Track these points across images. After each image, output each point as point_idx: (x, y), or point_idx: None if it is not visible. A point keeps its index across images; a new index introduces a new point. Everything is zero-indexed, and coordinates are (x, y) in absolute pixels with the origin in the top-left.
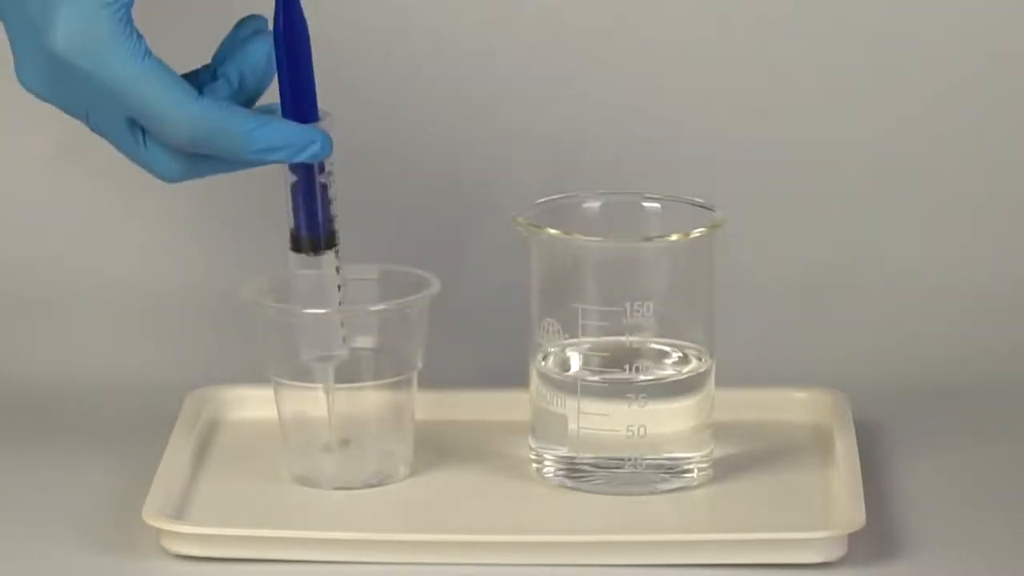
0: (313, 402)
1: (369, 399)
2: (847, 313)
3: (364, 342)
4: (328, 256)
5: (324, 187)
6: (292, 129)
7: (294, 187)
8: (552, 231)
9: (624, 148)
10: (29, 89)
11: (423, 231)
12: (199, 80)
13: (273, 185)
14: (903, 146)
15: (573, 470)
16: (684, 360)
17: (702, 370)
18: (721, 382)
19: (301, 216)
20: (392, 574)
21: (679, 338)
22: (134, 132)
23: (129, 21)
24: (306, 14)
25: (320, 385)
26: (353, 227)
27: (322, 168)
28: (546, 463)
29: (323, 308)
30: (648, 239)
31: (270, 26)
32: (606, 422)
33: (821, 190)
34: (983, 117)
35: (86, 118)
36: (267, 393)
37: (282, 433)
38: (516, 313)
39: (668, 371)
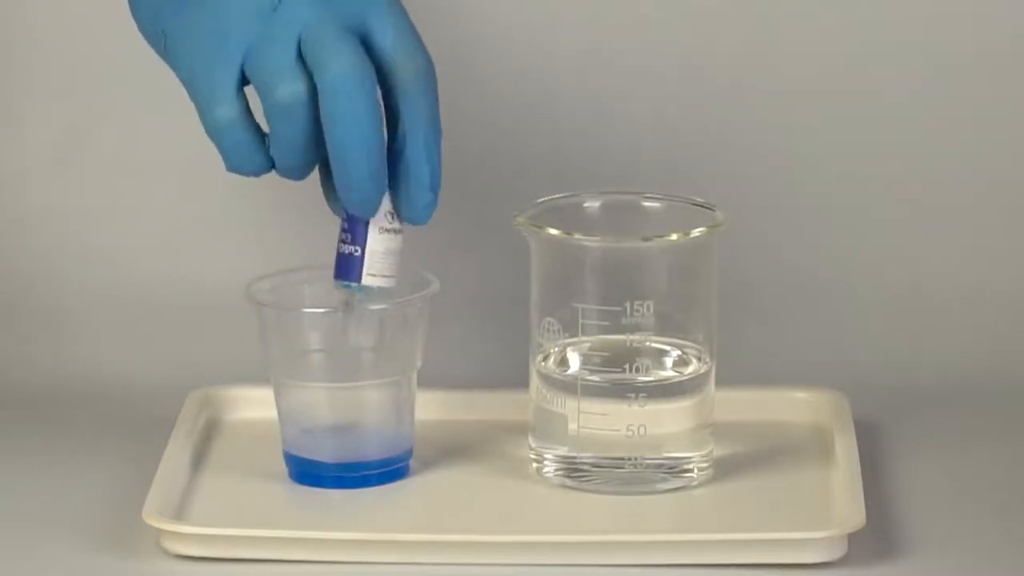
0: (314, 400)
1: (369, 398)
2: (847, 313)
3: (364, 341)
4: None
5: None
6: None
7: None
8: (552, 231)
9: (624, 148)
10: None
11: (424, 231)
12: None
13: (273, 186)
14: (903, 146)
15: (573, 470)
16: (684, 360)
17: (702, 370)
18: (721, 382)
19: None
20: (392, 574)
21: (679, 338)
22: None
23: None
24: None
25: (321, 384)
26: None
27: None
28: (546, 463)
29: None
30: (648, 239)
31: None
32: (606, 422)
33: (821, 190)
34: (983, 118)
35: None
36: (267, 393)
37: (281, 429)
38: (516, 313)
39: (668, 371)
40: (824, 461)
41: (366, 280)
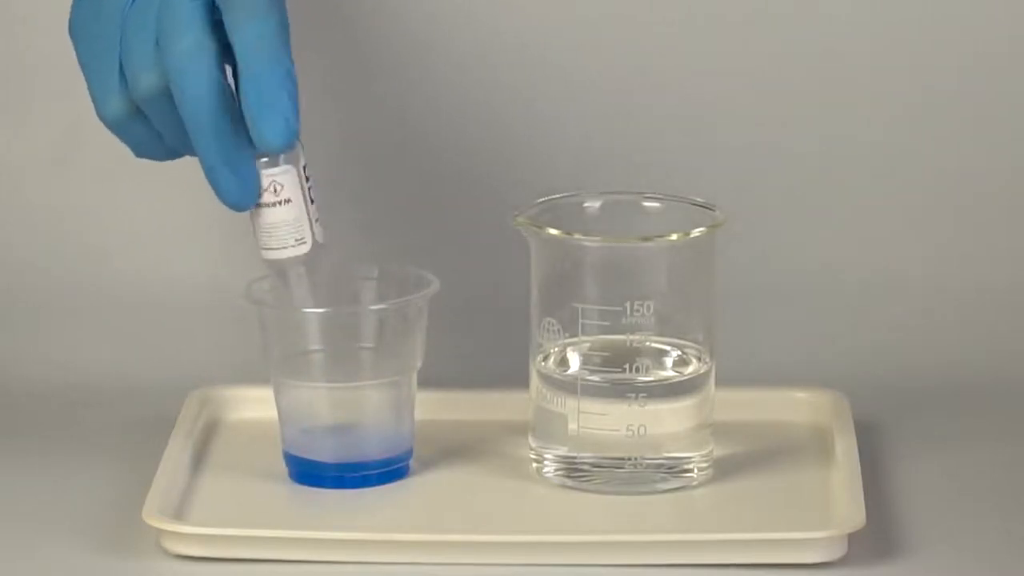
0: (314, 400)
1: (368, 398)
2: (847, 313)
3: (363, 341)
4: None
5: None
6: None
7: None
8: (552, 231)
9: (624, 148)
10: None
11: (423, 231)
12: None
13: None
14: (903, 145)
15: (573, 470)
16: (684, 360)
17: (702, 370)
18: (721, 382)
19: None
20: (392, 574)
21: (679, 338)
22: None
23: None
24: (309, 12)
25: (321, 384)
26: (353, 226)
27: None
28: (546, 463)
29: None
30: (648, 239)
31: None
32: (606, 422)
33: (821, 190)
34: (984, 117)
35: None
36: (267, 393)
37: (281, 429)
38: (516, 313)
39: (668, 371)
40: (824, 461)
41: (265, 255)
